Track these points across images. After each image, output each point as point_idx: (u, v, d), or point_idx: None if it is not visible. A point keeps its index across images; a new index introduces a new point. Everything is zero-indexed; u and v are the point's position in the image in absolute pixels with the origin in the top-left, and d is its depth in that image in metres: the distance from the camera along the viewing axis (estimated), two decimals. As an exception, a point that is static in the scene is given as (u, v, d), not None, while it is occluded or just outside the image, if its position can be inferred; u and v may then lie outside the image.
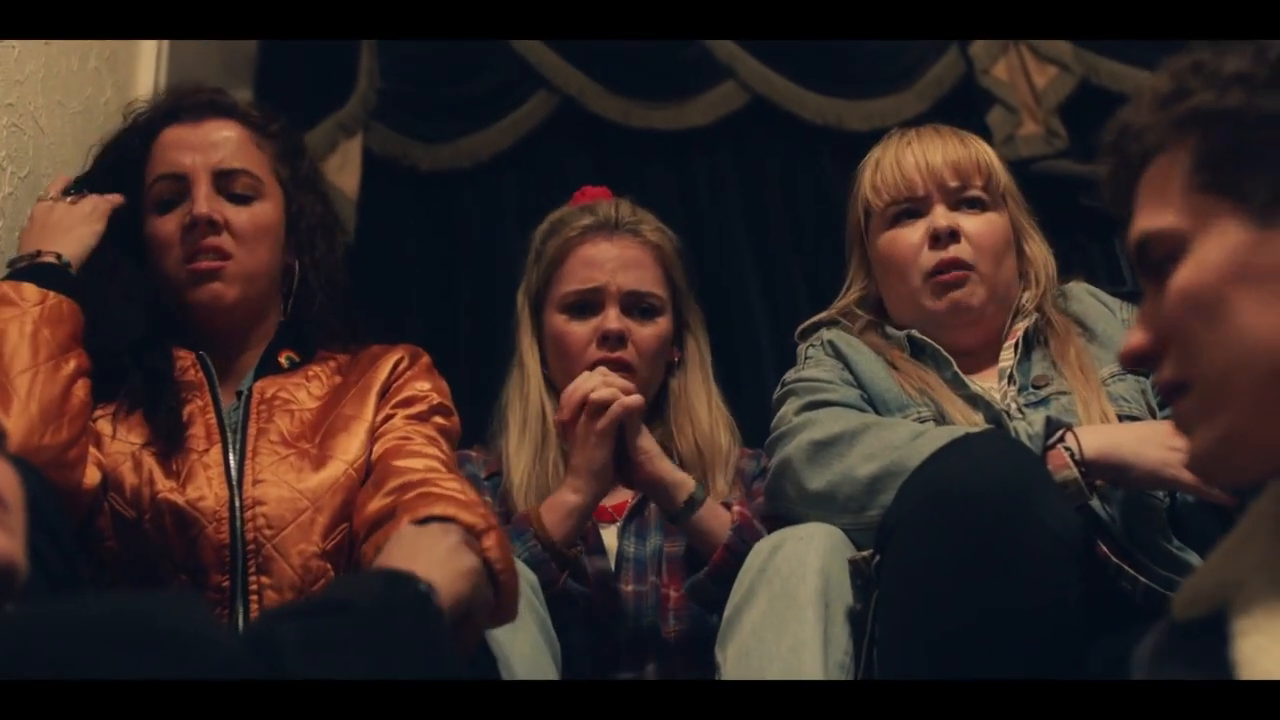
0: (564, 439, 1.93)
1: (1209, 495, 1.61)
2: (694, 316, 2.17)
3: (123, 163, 1.84)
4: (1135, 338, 0.99)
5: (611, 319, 2.04)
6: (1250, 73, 0.92)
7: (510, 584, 1.43)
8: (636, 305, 2.07)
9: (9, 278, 1.69)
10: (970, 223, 1.91)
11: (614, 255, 2.07)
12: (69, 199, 1.80)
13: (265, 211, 1.82)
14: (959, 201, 1.92)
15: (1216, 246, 0.92)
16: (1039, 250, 1.98)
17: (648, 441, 1.90)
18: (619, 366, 2.00)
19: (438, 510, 1.45)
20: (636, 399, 1.88)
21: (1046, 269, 1.97)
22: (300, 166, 1.91)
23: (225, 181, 1.80)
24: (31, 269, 1.70)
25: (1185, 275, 0.94)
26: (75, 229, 1.76)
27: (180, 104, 1.86)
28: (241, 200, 1.80)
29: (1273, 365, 0.89)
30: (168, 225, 1.78)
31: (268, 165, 1.85)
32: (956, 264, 1.89)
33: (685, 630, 1.89)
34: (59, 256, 1.72)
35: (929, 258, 1.90)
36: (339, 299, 1.90)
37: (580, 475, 1.87)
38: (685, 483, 1.88)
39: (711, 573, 1.84)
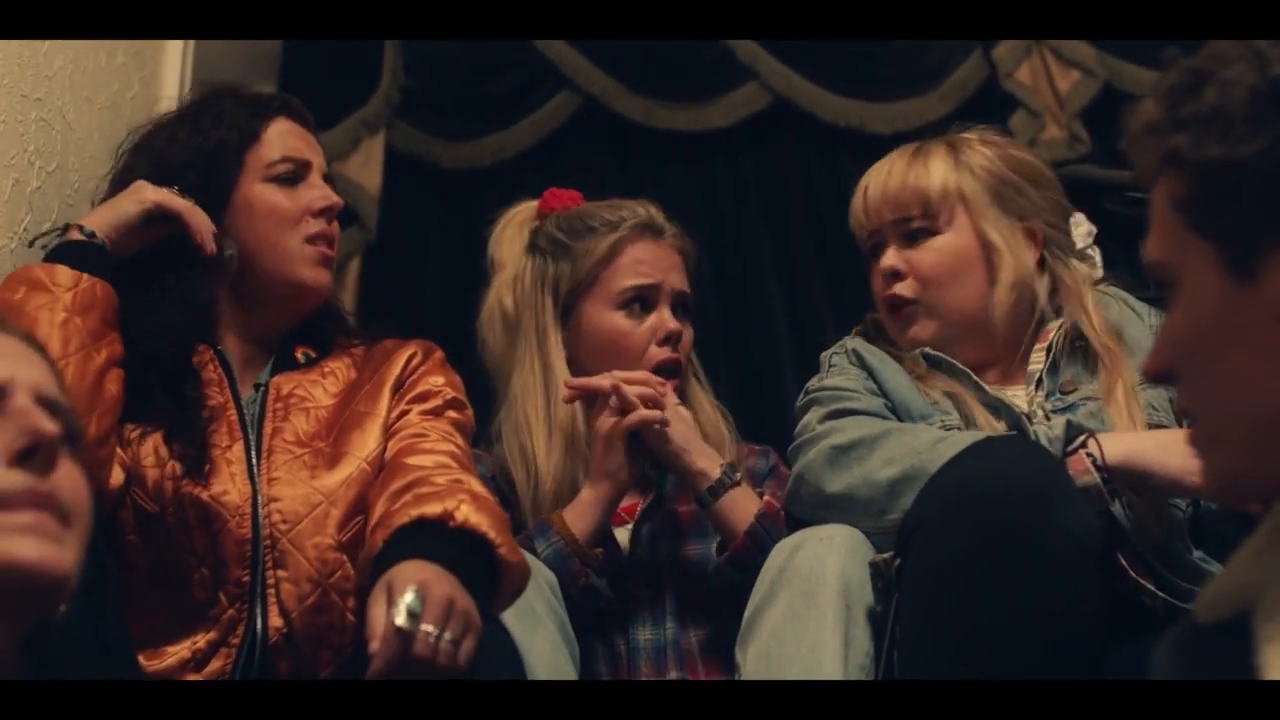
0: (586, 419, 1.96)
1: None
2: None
3: (238, 135, 1.81)
4: (1153, 359, 1.00)
5: (669, 319, 2.05)
6: (1228, 111, 0.90)
7: (503, 550, 1.47)
8: (681, 305, 2.09)
9: (46, 259, 1.66)
10: (915, 255, 1.90)
11: (664, 255, 2.08)
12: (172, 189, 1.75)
13: None
14: (906, 233, 1.92)
15: (1200, 294, 0.93)
16: (1009, 258, 1.88)
17: (679, 433, 1.91)
18: (674, 367, 2.03)
19: (421, 511, 1.49)
20: (655, 414, 1.88)
21: (1017, 273, 1.88)
22: None
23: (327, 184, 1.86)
24: (63, 249, 1.66)
25: (1176, 321, 0.96)
26: (125, 200, 1.72)
27: (291, 105, 1.89)
28: None
29: (1262, 412, 0.90)
30: (288, 199, 1.79)
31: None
32: (898, 302, 1.91)
33: (708, 636, 1.89)
34: (90, 233, 1.67)
35: (881, 297, 1.95)
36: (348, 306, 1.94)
37: (596, 475, 1.89)
38: (709, 471, 1.88)
39: (732, 558, 1.84)
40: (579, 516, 1.85)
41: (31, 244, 1.78)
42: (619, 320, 2.05)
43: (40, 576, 0.93)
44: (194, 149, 1.79)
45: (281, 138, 1.83)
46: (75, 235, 1.67)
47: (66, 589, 0.97)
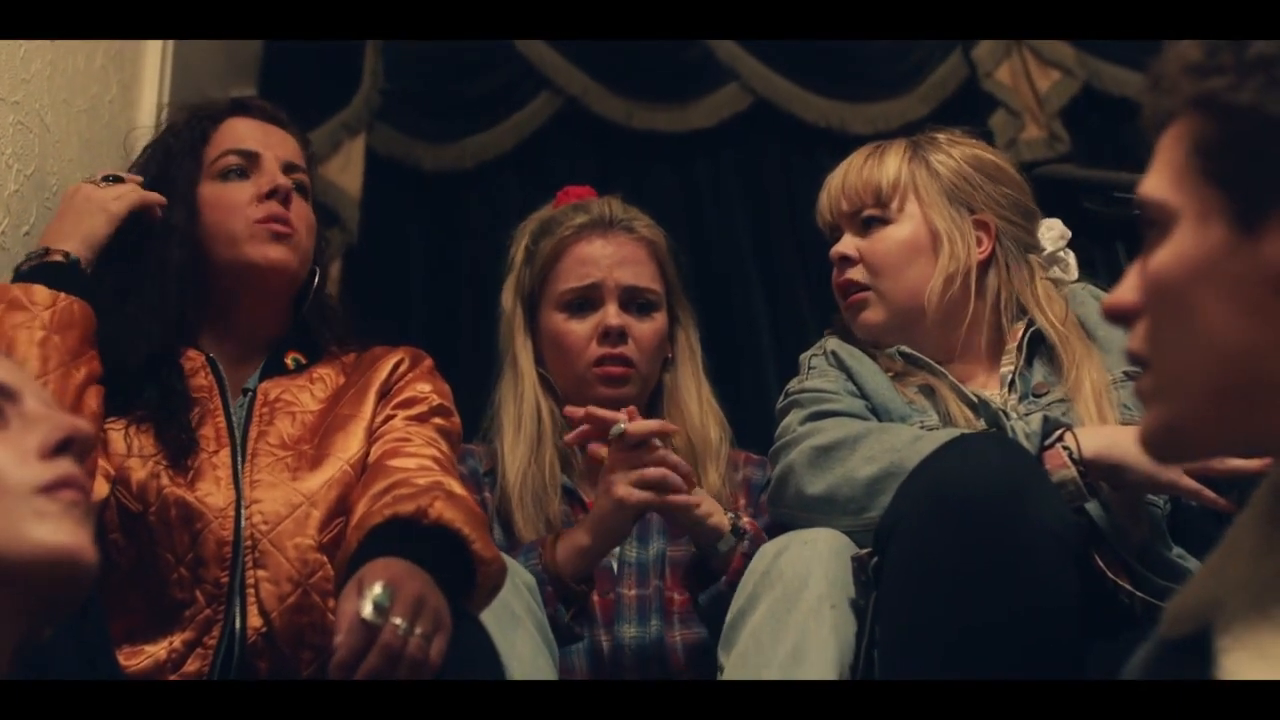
0: (583, 457, 1.87)
1: (1206, 500, 1.61)
2: (685, 312, 2.18)
3: (189, 141, 1.85)
4: (1119, 294, 0.99)
5: (611, 315, 2.04)
6: (1274, 64, 0.90)
7: (477, 545, 1.47)
8: (634, 301, 2.07)
9: (19, 278, 1.68)
10: (866, 243, 1.95)
11: (610, 252, 2.07)
12: (101, 182, 1.79)
13: (311, 212, 1.88)
14: (861, 223, 1.97)
15: (1197, 239, 0.92)
16: (948, 246, 1.91)
17: (700, 503, 1.80)
18: (620, 362, 2.02)
19: (395, 510, 1.49)
20: (689, 499, 1.78)
21: (955, 261, 1.91)
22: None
23: (289, 172, 1.85)
24: (40, 269, 1.69)
25: (1162, 260, 0.94)
26: (90, 217, 1.74)
27: (249, 102, 1.92)
28: (300, 193, 1.85)
29: (1224, 368, 0.90)
30: (235, 191, 1.80)
31: (310, 179, 1.91)
32: (850, 287, 1.96)
33: (692, 635, 1.87)
34: (67, 255, 1.70)
35: (835, 284, 2.00)
36: (344, 311, 1.94)
37: (598, 531, 1.79)
38: (720, 525, 1.81)
39: (731, 580, 1.78)
40: (568, 556, 1.79)
41: (18, 266, 1.76)
42: (561, 321, 2.07)
43: (76, 562, 0.98)
44: (157, 162, 1.85)
45: (230, 133, 1.86)
46: (55, 258, 1.70)
47: (90, 579, 1.00)
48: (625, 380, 2.03)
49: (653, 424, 1.79)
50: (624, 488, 1.75)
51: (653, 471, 1.76)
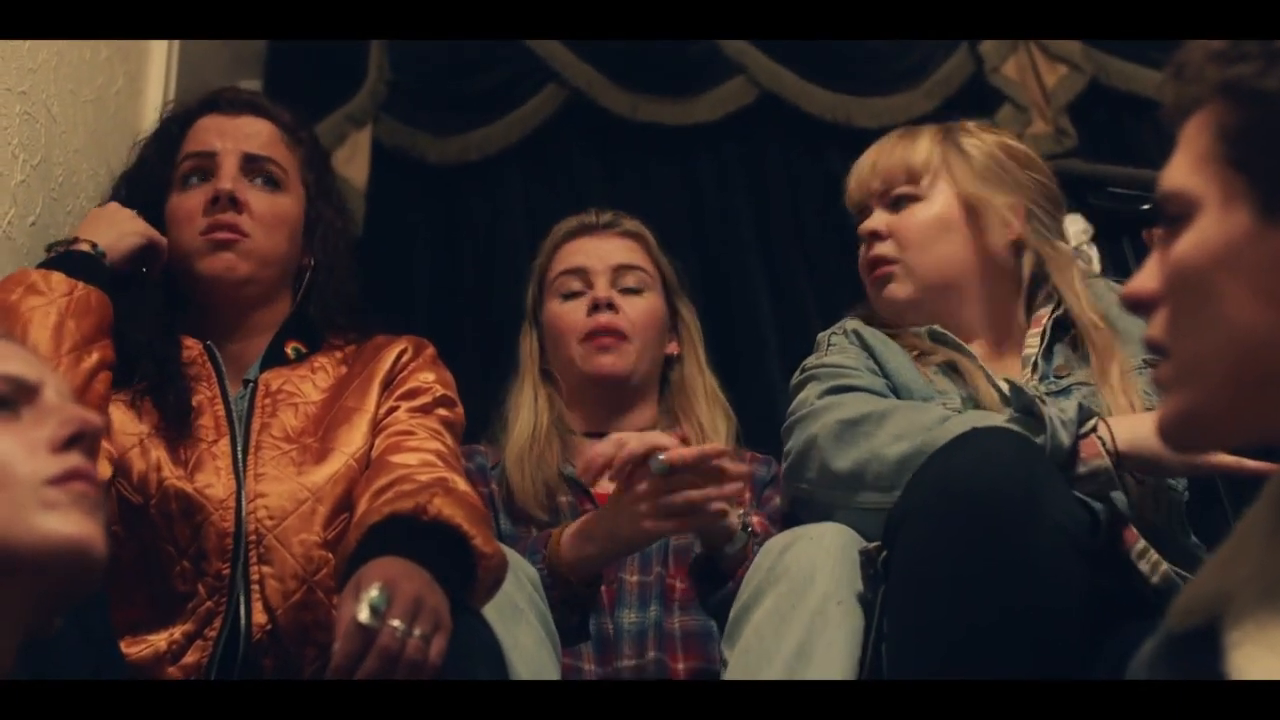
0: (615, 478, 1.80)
1: (1248, 470, 1.54)
2: (685, 307, 2.26)
3: (159, 149, 1.86)
4: (1139, 282, 0.99)
5: (600, 288, 2.13)
6: None
7: (477, 540, 1.48)
8: (625, 278, 2.16)
9: (41, 265, 1.69)
10: (897, 219, 1.96)
11: (600, 243, 2.20)
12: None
13: (286, 203, 1.85)
14: (892, 201, 1.97)
15: (1220, 226, 0.91)
16: (982, 223, 1.94)
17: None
18: (612, 333, 2.08)
19: (394, 508, 1.50)
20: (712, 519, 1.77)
21: (992, 238, 1.94)
22: (325, 177, 1.96)
23: (253, 166, 1.83)
24: (63, 257, 1.70)
25: (1184, 248, 0.93)
26: (123, 225, 1.77)
27: (220, 97, 1.91)
28: (266, 186, 1.84)
29: (1244, 357, 0.90)
30: (190, 200, 1.81)
31: (295, 165, 1.89)
32: (877, 261, 1.96)
33: (691, 622, 1.87)
34: (94, 246, 1.71)
35: (863, 260, 2.00)
36: (348, 299, 1.92)
37: (615, 544, 1.79)
38: (731, 523, 1.81)
39: (740, 580, 1.76)
40: (576, 562, 1.78)
41: (49, 249, 1.77)
42: (556, 306, 2.16)
43: (85, 552, 0.98)
44: (135, 171, 1.88)
45: (194, 136, 1.86)
46: (83, 247, 1.71)
47: (99, 569, 1.01)
48: (614, 349, 2.09)
49: (691, 451, 1.73)
50: (653, 522, 1.73)
51: (681, 499, 1.72)
